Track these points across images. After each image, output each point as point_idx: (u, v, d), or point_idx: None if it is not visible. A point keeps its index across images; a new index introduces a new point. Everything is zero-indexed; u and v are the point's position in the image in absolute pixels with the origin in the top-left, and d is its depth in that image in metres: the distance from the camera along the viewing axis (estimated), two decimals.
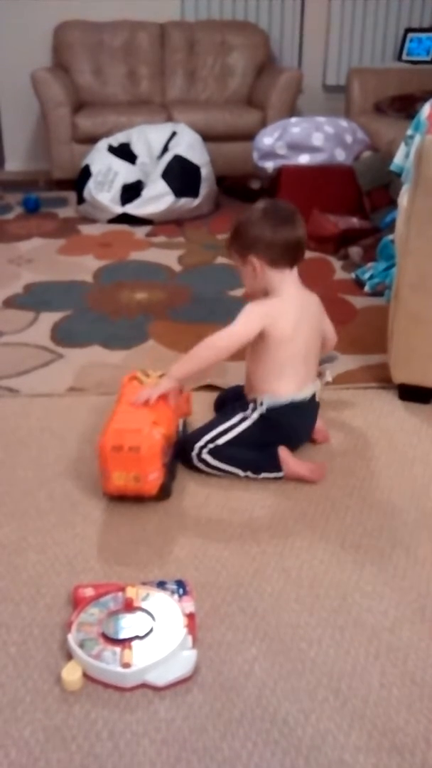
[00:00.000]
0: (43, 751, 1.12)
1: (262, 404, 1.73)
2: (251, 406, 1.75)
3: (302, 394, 1.75)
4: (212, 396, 2.01)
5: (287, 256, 1.70)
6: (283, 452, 1.73)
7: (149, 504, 1.66)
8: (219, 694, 1.21)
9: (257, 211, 1.71)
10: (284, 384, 1.74)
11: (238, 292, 2.88)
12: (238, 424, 1.75)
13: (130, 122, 4.22)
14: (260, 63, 4.76)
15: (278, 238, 1.67)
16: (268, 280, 1.71)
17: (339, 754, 1.11)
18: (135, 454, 1.56)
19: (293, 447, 1.79)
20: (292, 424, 1.77)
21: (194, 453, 1.74)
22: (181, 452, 1.76)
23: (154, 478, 1.60)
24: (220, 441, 1.74)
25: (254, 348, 1.75)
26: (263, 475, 1.73)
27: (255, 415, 1.74)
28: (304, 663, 1.26)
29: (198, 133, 4.00)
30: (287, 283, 1.72)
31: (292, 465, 1.72)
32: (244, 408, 1.76)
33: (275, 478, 1.73)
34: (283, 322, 1.69)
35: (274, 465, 1.72)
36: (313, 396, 1.79)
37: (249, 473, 1.73)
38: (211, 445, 1.73)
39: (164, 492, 1.65)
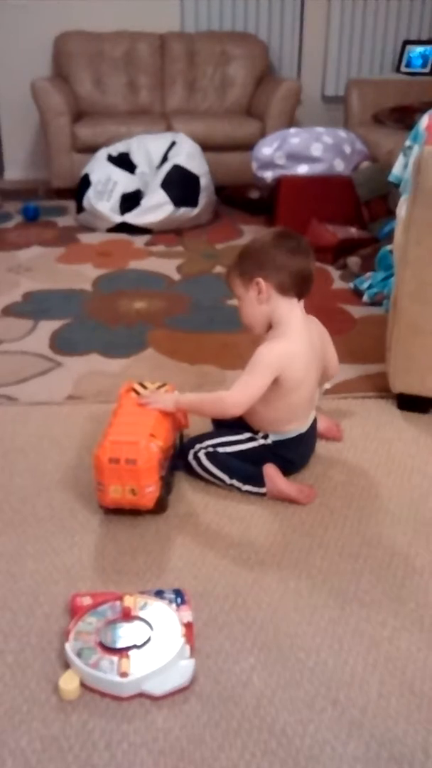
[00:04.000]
0: (39, 761, 1.11)
1: (267, 437, 1.74)
2: (260, 433, 1.74)
3: (307, 425, 1.76)
4: None
5: (296, 285, 1.63)
6: (270, 469, 1.71)
7: (147, 513, 1.66)
8: (217, 704, 1.20)
9: (268, 235, 1.65)
10: (293, 425, 1.74)
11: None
12: (245, 442, 1.75)
13: (130, 132, 4.23)
14: (260, 73, 4.78)
15: (290, 263, 1.60)
16: (274, 307, 1.64)
17: (337, 765, 1.11)
18: (132, 467, 1.55)
19: (296, 470, 1.79)
20: (298, 452, 1.78)
21: (193, 450, 1.74)
22: (183, 450, 1.77)
23: (150, 491, 1.58)
24: (221, 449, 1.74)
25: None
26: (247, 487, 1.72)
27: (262, 442, 1.74)
28: (303, 673, 1.26)
29: (197, 143, 4.01)
30: (294, 314, 1.65)
31: (279, 483, 1.69)
32: (254, 429, 1.75)
33: (258, 494, 1.71)
34: (294, 368, 1.63)
35: (262, 481, 1.71)
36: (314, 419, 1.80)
37: (235, 482, 1.72)
38: (211, 449, 1.74)
39: (161, 505, 1.64)
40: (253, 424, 1.75)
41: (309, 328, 1.70)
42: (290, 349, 1.64)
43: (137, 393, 1.77)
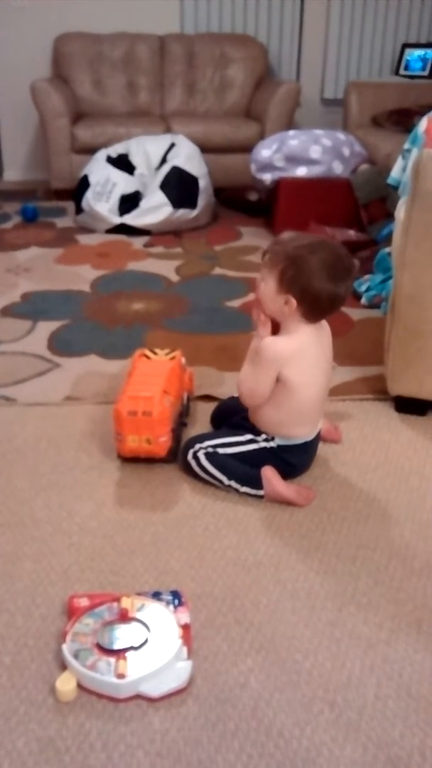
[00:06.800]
0: (36, 763, 1.11)
1: (273, 439, 1.73)
2: (263, 435, 1.74)
3: (314, 433, 1.76)
4: (210, 406, 2.01)
5: (325, 311, 1.63)
6: (268, 471, 1.70)
7: (145, 513, 1.66)
8: (214, 706, 1.20)
9: (322, 260, 1.56)
10: (300, 430, 1.73)
11: (236, 303, 2.89)
12: (245, 444, 1.75)
13: (129, 133, 4.24)
14: (259, 76, 4.79)
15: (330, 292, 1.57)
16: (290, 321, 1.63)
17: (334, 767, 1.11)
18: (148, 419, 1.71)
19: (296, 475, 1.78)
20: (301, 459, 1.78)
21: (192, 450, 1.75)
22: (183, 449, 1.79)
23: (164, 441, 1.75)
24: (221, 450, 1.74)
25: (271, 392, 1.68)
26: (245, 489, 1.71)
27: (264, 444, 1.74)
28: (300, 675, 1.26)
29: (196, 144, 4.02)
30: (303, 326, 1.64)
31: (277, 485, 1.69)
32: (256, 431, 1.75)
33: (255, 496, 1.71)
34: (296, 366, 1.63)
35: (260, 483, 1.70)
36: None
37: (233, 483, 1.72)
38: (210, 450, 1.74)
39: (172, 454, 1.80)
40: (261, 426, 1.74)
41: (319, 333, 1.68)
42: (291, 347, 1.63)
43: (148, 357, 1.97)
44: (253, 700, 1.21)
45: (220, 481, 1.73)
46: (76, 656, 1.24)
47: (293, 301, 1.59)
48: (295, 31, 4.98)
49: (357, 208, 3.60)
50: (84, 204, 3.85)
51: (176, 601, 1.36)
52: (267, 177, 3.74)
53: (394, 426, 2.05)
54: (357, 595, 1.44)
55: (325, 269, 1.56)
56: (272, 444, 1.73)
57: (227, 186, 4.34)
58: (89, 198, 3.81)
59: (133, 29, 4.71)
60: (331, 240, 1.67)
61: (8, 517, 1.65)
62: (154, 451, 1.76)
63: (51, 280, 3.15)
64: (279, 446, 1.73)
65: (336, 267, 1.57)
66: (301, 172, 3.66)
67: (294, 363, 1.63)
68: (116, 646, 1.25)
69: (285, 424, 1.71)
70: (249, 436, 1.75)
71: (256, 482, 1.70)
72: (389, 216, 3.24)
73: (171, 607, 1.34)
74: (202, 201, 3.88)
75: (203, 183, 3.89)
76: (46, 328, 2.65)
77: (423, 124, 2.39)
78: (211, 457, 1.73)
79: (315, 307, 1.60)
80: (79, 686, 1.22)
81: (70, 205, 4.14)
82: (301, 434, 1.73)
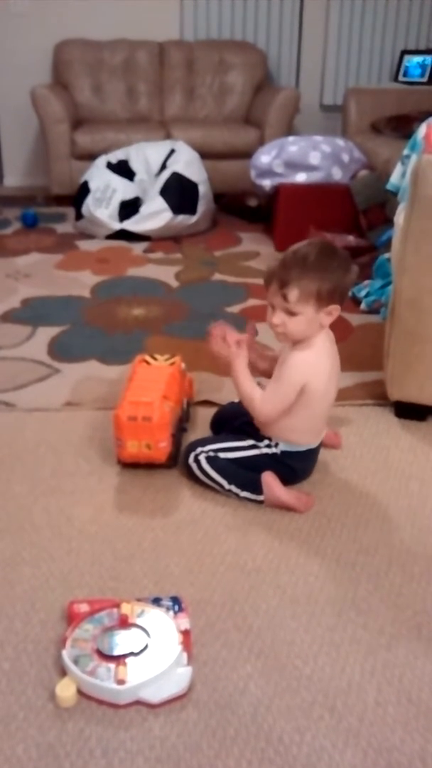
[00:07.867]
0: None
1: (277, 445, 1.73)
2: (265, 441, 1.74)
3: (319, 440, 1.77)
4: (210, 411, 2.01)
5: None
6: (268, 477, 1.70)
7: (145, 519, 1.66)
8: (214, 712, 1.20)
9: (341, 268, 1.59)
10: (307, 437, 1.73)
11: (235, 308, 2.90)
12: (247, 449, 1.75)
13: (129, 139, 4.24)
14: (258, 82, 4.80)
15: (353, 281, 1.64)
16: (313, 333, 1.64)
17: None
18: (147, 424, 1.71)
19: (296, 482, 1.78)
20: (303, 465, 1.78)
21: (194, 453, 1.75)
22: (184, 452, 1.79)
23: (163, 446, 1.75)
24: (222, 455, 1.74)
25: None
26: (245, 494, 1.72)
27: (266, 450, 1.74)
28: (300, 680, 1.26)
29: (196, 150, 4.02)
30: (321, 333, 1.66)
31: (277, 491, 1.69)
32: (257, 437, 1.75)
33: (255, 501, 1.71)
34: (318, 379, 1.64)
35: (260, 488, 1.70)
36: None
37: (233, 487, 1.72)
38: (212, 454, 1.74)
39: (172, 460, 1.79)
40: (268, 431, 1.74)
41: (330, 338, 1.70)
42: (314, 359, 1.64)
43: (148, 363, 1.97)
44: (252, 706, 1.21)
45: (221, 486, 1.73)
46: (75, 662, 1.23)
47: (337, 307, 1.60)
48: (294, 37, 5.00)
49: (356, 213, 3.61)
50: (84, 210, 3.86)
51: (176, 607, 1.36)
52: (266, 183, 3.74)
53: (393, 431, 2.05)
54: (357, 600, 1.44)
55: (341, 262, 1.59)
56: (275, 450, 1.73)
57: (227, 192, 4.34)
58: (89, 204, 3.82)
59: (133, 36, 4.72)
60: (313, 238, 1.70)
61: (7, 523, 1.65)
62: (153, 457, 1.76)
63: (51, 286, 3.16)
64: (282, 452, 1.73)
65: (338, 253, 1.61)
66: (301, 178, 3.67)
67: (316, 372, 1.64)
68: (116, 652, 1.25)
69: (296, 430, 1.71)
70: (251, 442, 1.75)
71: (256, 487, 1.70)
72: (388, 221, 3.24)
73: (171, 612, 1.34)
74: (201, 207, 3.89)
75: (203, 189, 3.89)
76: (46, 333, 2.66)
77: (422, 130, 2.40)
78: (212, 460, 1.73)
79: (345, 299, 1.63)
80: (79, 692, 1.22)
81: (70, 211, 4.14)
82: (309, 441, 1.74)
